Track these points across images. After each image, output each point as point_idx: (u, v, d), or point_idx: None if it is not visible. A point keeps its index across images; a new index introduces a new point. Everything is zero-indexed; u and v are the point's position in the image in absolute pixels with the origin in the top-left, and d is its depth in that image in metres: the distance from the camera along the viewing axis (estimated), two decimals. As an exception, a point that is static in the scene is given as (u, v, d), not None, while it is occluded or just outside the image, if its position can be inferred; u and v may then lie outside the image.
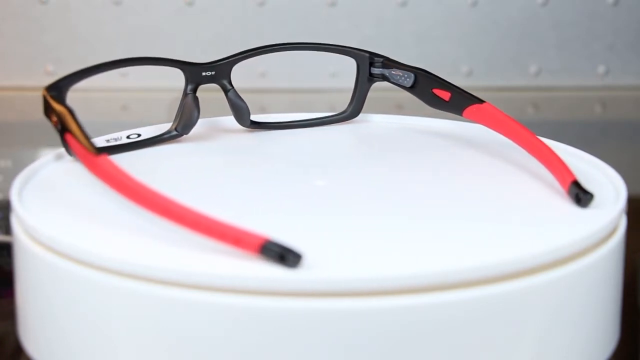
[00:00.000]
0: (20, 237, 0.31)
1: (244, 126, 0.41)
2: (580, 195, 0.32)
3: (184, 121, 0.40)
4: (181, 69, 0.39)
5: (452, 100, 0.40)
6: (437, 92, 0.40)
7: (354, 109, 0.43)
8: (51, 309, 0.30)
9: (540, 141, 0.36)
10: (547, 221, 0.32)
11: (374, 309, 0.27)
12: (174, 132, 0.40)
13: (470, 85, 0.40)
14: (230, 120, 0.41)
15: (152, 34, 0.76)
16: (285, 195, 0.35)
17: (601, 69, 0.77)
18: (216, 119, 0.43)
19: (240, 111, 0.41)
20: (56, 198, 0.34)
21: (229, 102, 0.40)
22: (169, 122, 0.41)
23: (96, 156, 0.32)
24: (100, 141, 0.39)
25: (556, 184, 0.34)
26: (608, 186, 0.35)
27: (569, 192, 0.32)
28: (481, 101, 0.39)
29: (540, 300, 0.29)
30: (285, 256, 0.28)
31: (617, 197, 0.34)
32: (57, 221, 0.31)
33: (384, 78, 0.42)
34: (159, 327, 0.28)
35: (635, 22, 0.77)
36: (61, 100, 0.35)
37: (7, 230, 0.33)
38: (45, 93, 0.35)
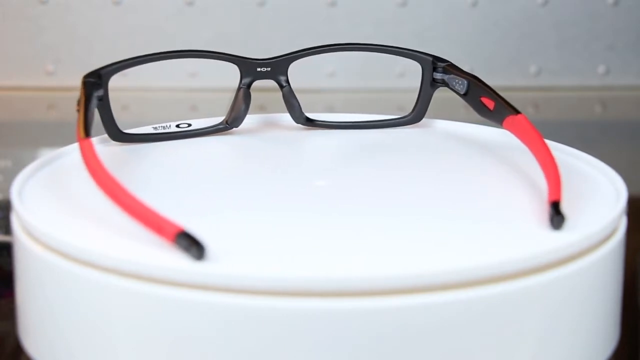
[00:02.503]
0: (20, 236, 0.31)
1: (298, 123, 0.42)
2: (553, 216, 0.31)
3: (234, 114, 0.41)
4: (236, 64, 0.40)
5: (495, 110, 0.38)
6: (484, 100, 0.39)
7: (417, 113, 0.42)
8: (51, 308, 0.30)
9: (551, 156, 0.35)
10: (547, 222, 0.32)
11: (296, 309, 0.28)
12: (223, 125, 0.41)
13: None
14: (289, 117, 0.42)
15: (152, 34, 0.76)
16: (276, 194, 0.35)
17: (601, 69, 0.77)
18: (278, 115, 0.43)
19: (293, 108, 0.41)
20: (57, 197, 0.34)
21: (283, 98, 0.41)
22: (169, 121, 0.41)
23: (83, 140, 0.33)
24: (147, 129, 0.40)
25: (565, 191, 0.34)
26: (608, 187, 0.35)
27: (549, 211, 0.32)
28: (517, 112, 0.38)
29: (540, 300, 0.29)
30: (189, 248, 0.28)
31: (617, 198, 0.34)
32: (57, 220, 0.31)
33: (444, 83, 0.41)
34: (159, 327, 0.28)
35: (635, 22, 0.77)
36: (87, 87, 0.37)
37: (7, 230, 0.33)
38: (82, 80, 0.37)
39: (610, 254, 0.31)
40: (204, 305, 0.28)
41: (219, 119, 0.41)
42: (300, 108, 0.41)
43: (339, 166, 0.39)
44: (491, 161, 0.38)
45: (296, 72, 0.41)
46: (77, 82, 0.37)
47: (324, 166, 0.39)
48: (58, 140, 0.35)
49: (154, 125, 0.41)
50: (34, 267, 0.31)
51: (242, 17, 0.76)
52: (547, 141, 0.37)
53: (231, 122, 0.41)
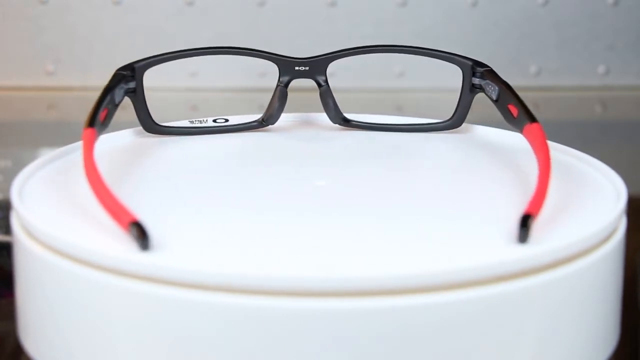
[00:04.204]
0: (20, 236, 0.31)
1: (335, 123, 0.42)
2: (519, 229, 0.30)
3: (270, 112, 0.41)
4: (275, 62, 0.41)
5: (518, 117, 0.38)
6: (511, 107, 0.38)
7: (457, 118, 0.41)
8: (51, 308, 0.30)
9: (547, 167, 0.34)
10: (547, 222, 0.32)
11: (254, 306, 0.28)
12: (258, 122, 0.41)
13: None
14: (326, 117, 0.42)
15: (152, 34, 0.75)
16: (281, 193, 0.35)
17: (601, 69, 0.77)
18: (316, 114, 0.43)
19: (329, 108, 0.41)
20: (57, 197, 0.34)
21: (320, 98, 0.41)
22: (168, 121, 0.41)
23: (85, 129, 0.34)
24: (182, 122, 0.41)
25: (565, 192, 0.34)
26: (608, 187, 0.35)
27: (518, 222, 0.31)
28: (533, 121, 0.37)
29: (540, 300, 0.29)
30: (137, 238, 0.29)
31: (617, 198, 0.34)
32: (57, 220, 0.31)
33: (481, 89, 0.40)
34: (159, 327, 0.28)
35: (635, 22, 0.77)
36: (112, 80, 0.38)
37: (7, 230, 0.33)
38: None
39: (610, 254, 0.31)
40: (204, 305, 0.28)
41: (256, 116, 0.42)
42: (337, 108, 0.41)
43: (350, 166, 0.38)
44: (508, 167, 0.38)
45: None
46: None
47: (335, 166, 0.39)
48: (58, 140, 0.35)
49: (191, 120, 0.41)
50: (34, 267, 0.31)
51: (242, 17, 0.76)
52: (549, 142, 0.37)
53: (266, 120, 0.41)
